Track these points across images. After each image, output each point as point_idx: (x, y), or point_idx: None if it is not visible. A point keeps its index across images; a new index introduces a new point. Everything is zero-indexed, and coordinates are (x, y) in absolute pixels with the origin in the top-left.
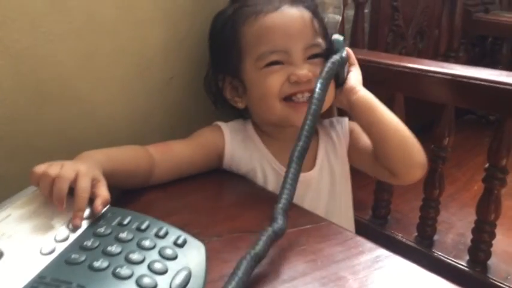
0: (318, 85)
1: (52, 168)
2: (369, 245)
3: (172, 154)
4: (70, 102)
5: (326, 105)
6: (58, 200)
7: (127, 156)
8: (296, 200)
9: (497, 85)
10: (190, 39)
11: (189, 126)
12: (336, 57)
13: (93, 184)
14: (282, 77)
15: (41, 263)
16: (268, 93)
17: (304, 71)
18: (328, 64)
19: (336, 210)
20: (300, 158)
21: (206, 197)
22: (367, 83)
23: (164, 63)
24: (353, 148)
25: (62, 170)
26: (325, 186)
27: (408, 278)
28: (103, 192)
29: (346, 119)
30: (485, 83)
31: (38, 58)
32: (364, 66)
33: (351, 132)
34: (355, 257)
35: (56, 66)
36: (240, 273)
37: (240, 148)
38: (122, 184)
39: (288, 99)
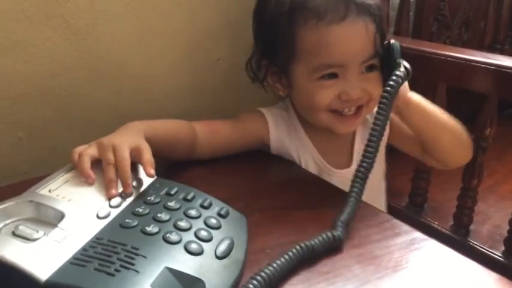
0: (381, 105)
1: (90, 148)
2: (405, 227)
3: (216, 135)
4: (124, 79)
5: (376, 100)
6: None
7: (170, 128)
8: None
9: None
10: (238, 23)
11: (235, 107)
12: (399, 73)
13: (137, 153)
14: (333, 94)
15: (98, 226)
16: (317, 106)
17: (356, 90)
18: (392, 82)
19: (373, 193)
20: (364, 179)
21: (249, 175)
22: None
23: (212, 45)
24: (398, 136)
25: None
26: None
27: (443, 260)
28: (146, 157)
29: None
30: None
31: (96, 36)
32: (407, 55)
33: (391, 125)
34: (391, 238)
35: (112, 44)
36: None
37: (285, 137)
38: (163, 154)
39: (334, 111)
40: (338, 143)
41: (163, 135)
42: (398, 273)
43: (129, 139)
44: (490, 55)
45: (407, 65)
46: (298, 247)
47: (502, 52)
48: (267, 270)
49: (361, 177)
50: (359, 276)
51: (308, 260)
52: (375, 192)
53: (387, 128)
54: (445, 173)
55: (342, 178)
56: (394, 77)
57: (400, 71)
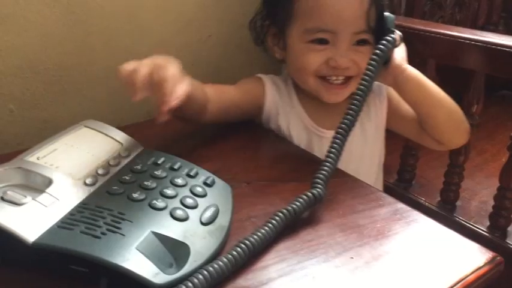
0: (369, 66)
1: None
2: (389, 199)
3: (224, 96)
4: (115, 53)
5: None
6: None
7: (197, 84)
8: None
9: None
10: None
11: (225, 81)
12: (388, 40)
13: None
14: (321, 58)
15: (85, 192)
16: (305, 69)
17: (344, 59)
18: (380, 47)
19: (366, 171)
20: (345, 134)
21: (238, 148)
22: None
23: (203, 21)
24: (395, 116)
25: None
26: (356, 147)
27: (424, 230)
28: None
29: (383, 84)
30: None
31: (87, 10)
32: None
33: (390, 100)
34: (374, 209)
35: (102, 18)
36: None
37: (278, 102)
38: (185, 108)
39: (322, 77)
40: (331, 109)
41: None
42: (380, 241)
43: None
44: (478, 32)
45: (399, 33)
46: (280, 214)
47: (495, 33)
48: (251, 238)
49: (342, 133)
50: (342, 244)
51: (293, 223)
52: (375, 169)
53: (384, 112)
54: (434, 150)
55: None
56: (384, 41)
57: (391, 37)
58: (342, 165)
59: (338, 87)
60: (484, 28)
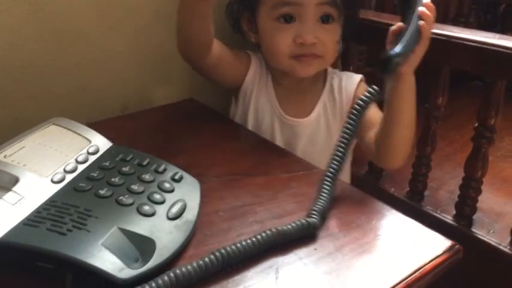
0: (349, 120)
1: None
2: (354, 191)
3: (222, 47)
4: (84, 50)
5: (332, 57)
6: None
7: None
8: (288, 146)
9: (489, 47)
10: None
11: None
12: (371, 92)
13: None
14: (289, 37)
15: (51, 190)
16: (277, 50)
17: (310, 35)
18: (365, 97)
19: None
20: (334, 179)
21: (208, 143)
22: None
23: (170, 14)
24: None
25: None
26: (321, 138)
27: (387, 220)
28: None
29: (356, 80)
30: (477, 45)
31: (55, 7)
32: (369, 27)
33: (355, 98)
34: (339, 200)
35: (73, 16)
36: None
37: (256, 81)
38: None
39: (294, 57)
40: (298, 98)
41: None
42: (343, 232)
43: None
44: (441, 26)
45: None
46: (267, 232)
47: (466, 25)
48: (228, 248)
49: (332, 177)
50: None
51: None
52: None
53: (349, 107)
54: None
55: (293, 126)
56: (366, 94)
57: (373, 89)
58: (306, 156)
59: (307, 58)
60: (455, 21)
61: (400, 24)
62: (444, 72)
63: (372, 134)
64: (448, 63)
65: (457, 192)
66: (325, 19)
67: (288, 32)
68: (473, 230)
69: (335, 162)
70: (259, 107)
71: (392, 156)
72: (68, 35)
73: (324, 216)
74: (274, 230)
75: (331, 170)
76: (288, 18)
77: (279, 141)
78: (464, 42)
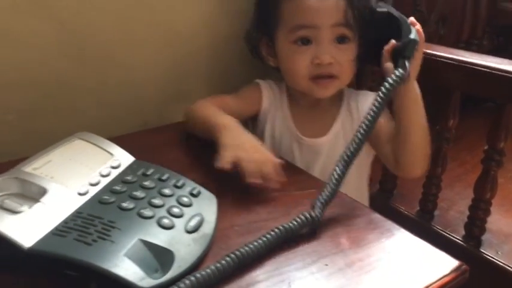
0: (375, 102)
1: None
2: (365, 209)
3: (225, 106)
4: (108, 67)
5: (349, 76)
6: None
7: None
8: (308, 165)
9: (499, 72)
10: (216, 16)
11: (216, 91)
12: (397, 75)
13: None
14: (306, 59)
15: (78, 202)
16: (295, 72)
17: (326, 55)
18: (387, 84)
19: (351, 181)
20: (348, 162)
21: None
22: None
23: (192, 35)
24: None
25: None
26: (339, 152)
27: (396, 239)
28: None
29: (371, 97)
30: (487, 70)
31: (81, 26)
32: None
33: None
34: (350, 219)
35: (95, 33)
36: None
37: (272, 106)
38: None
39: (313, 79)
40: (315, 119)
41: None
42: (353, 250)
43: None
44: (453, 50)
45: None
46: (276, 229)
47: (480, 47)
48: (242, 250)
49: (346, 160)
50: (317, 251)
51: (289, 240)
52: (358, 180)
53: None
54: None
55: (312, 146)
56: (396, 74)
57: (400, 72)
58: (325, 174)
59: (325, 81)
60: (468, 43)
61: (393, 41)
62: (455, 96)
63: (389, 145)
64: (459, 88)
65: (467, 212)
66: (341, 40)
67: (305, 53)
68: (482, 250)
69: (354, 143)
70: (276, 131)
71: (412, 162)
72: (92, 53)
73: (327, 204)
74: (281, 227)
75: (348, 152)
76: (305, 41)
77: (299, 162)
78: (475, 67)
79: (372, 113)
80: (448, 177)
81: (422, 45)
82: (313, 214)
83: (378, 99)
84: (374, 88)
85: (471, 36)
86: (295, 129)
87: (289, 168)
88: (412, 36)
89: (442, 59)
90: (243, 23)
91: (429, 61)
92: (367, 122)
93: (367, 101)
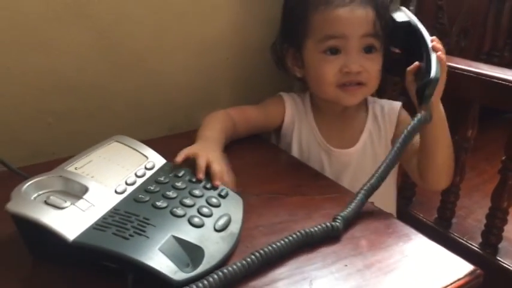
0: (398, 144)
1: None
2: (384, 214)
3: (247, 118)
4: (141, 73)
5: (375, 84)
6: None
7: (226, 130)
8: (337, 175)
9: None
10: (246, 27)
11: (242, 100)
12: (419, 118)
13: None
14: (335, 68)
15: (115, 199)
16: (324, 80)
17: (355, 64)
18: (411, 128)
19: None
20: (368, 193)
21: (249, 164)
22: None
23: (221, 45)
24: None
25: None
26: (368, 166)
27: (414, 243)
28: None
29: (398, 107)
30: (504, 83)
31: (118, 35)
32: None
33: (399, 124)
34: (369, 223)
35: (132, 42)
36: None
37: (296, 118)
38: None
39: (340, 87)
40: (341, 129)
41: (225, 135)
42: (372, 252)
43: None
44: (473, 63)
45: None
46: (298, 233)
47: (501, 59)
48: (265, 249)
49: (366, 191)
50: (337, 253)
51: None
52: (386, 189)
53: (393, 131)
54: None
55: (341, 157)
56: (418, 118)
57: (423, 115)
58: (355, 184)
59: (353, 88)
60: (489, 54)
61: (416, 63)
62: (474, 107)
63: (414, 159)
64: (478, 100)
65: (484, 221)
66: (368, 50)
67: (334, 62)
68: (499, 258)
69: (374, 179)
70: (303, 143)
71: (437, 178)
72: (126, 60)
73: (347, 224)
74: (302, 231)
75: (368, 185)
76: (334, 51)
77: (328, 173)
78: (493, 80)
79: (395, 150)
80: (466, 187)
81: (444, 69)
82: (334, 225)
83: (401, 141)
84: (394, 97)
85: (492, 48)
86: (324, 140)
87: (311, 173)
88: (433, 74)
89: (461, 71)
90: (271, 33)
91: (449, 73)
92: (390, 158)
93: (392, 109)
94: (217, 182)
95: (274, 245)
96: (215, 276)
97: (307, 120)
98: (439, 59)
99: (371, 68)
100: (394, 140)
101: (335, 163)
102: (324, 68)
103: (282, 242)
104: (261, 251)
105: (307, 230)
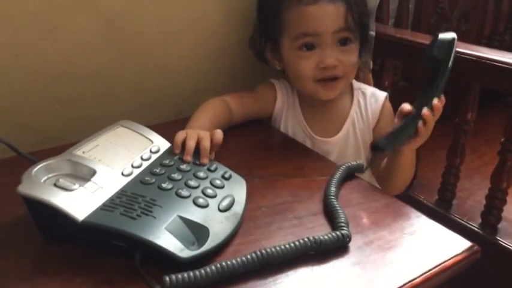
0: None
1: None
2: (383, 194)
3: (245, 107)
4: (145, 60)
5: (352, 75)
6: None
7: (219, 116)
8: None
9: None
10: (247, 12)
11: (243, 87)
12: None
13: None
14: (312, 63)
15: (122, 182)
16: (301, 75)
17: (331, 59)
18: (346, 166)
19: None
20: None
21: (252, 147)
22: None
23: (223, 32)
24: (374, 133)
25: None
26: (350, 153)
27: (413, 221)
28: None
29: (382, 98)
30: (503, 65)
31: (123, 23)
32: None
33: (382, 115)
34: (370, 203)
35: (136, 30)
36: None
37: (284, 106)
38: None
39: (318, 81)
40: (328, 114)
41: (217, 124)
42: (372, 230)
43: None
44: (473, 47)
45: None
46: (306, 239)
47: (502, 43)
48: (268, 250)
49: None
50: None
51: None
52: (368, 174)
53: (376, 119)
54: (435, 152)
55: (323, 145)
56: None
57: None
58: (329, 153)
59: (331, 83)
60: (490, 39)
61: (409, 109)
62: (474, 89)
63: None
64: (478, 82)
65: (484, 202)
66: (343, 42)
67: (310, 58)
68: (498, 238)
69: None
70: (289, 130)
71: (393, 190)
72: (132, 46)
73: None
74: (311, 238)
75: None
76: (310, 47)
77: None
78: (494, 63)
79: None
80: (467, 169)
81: (426, 132)
82: (344, 233)
83: (334, 178)
84: (395, 82)
85: (493, 32)
86: (308, 128)
87: (312, 155)
88: (383, 143)
89: (462, 55)
90: None
91: None
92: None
93: (376, 101)
94: (205, 160)
95: (278, 248)
96: (213, 267)
97: (293, 108)
98: (418, 129)
99: (347, 60)
100: (375, 130)
101: (318, 151)
102: (301, 64)
103: (288, 246)
104: (263, 251)
105: (317, 238)
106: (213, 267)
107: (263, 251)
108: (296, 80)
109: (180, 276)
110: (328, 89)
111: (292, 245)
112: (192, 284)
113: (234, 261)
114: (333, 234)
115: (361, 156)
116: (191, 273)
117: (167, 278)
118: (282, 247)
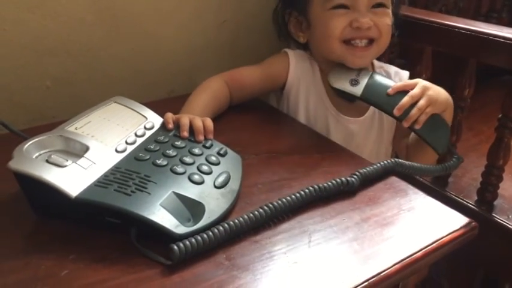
0: None
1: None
2: None
3: (244, 84)
4: (138, 37)
5: (387, 40)
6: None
7: (214, 101)
8: (343, 143)
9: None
10: None
11: (238, 63)
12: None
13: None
14: (345, 21)
15: (116, 158)
16: (330, 34)
17: (366, 18)
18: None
19: (381, 155)
20: (392, 164)
21: (248, 124)
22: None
23: (218, 8)
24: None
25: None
26: (374, 134)
27: (410, 198)
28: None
29: (406, 77)
30: (503, 40)
31: None
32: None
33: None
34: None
35: (128, 4)
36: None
37: (301, 77)
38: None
39: (347, 42)
40: None
41: (213, 110)
42: (370, 207)
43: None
44: (470, 22)
45: None
46: (312, 187)
47: (499, 20)
48: (279, 201)
49: (392, 163)
50: (336, 208)
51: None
52: (388, 154)
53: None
54: None
55: (350, 124)
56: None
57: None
58: (359, 150)
59: (362, 49)
60: (487, 16)
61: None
62: (471, 65)
63: (403, 141)
64: (476, 57)
65: (480, 179)
66: (377, 6)
67: (343, 17)
68: (494, 215)
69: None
70: (311, 105)
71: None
72: (124, 22)
73: (364, 182)
74: (316, 186)
75: (397, 160)
76: (343, 7)
77: (334, 138)
78: (491, 37)
79: None
80: (463, 147)
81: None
82: (349, 180)
83: None
84: (392, 60)
85: (490, 10)
86: (331, 105)
87: (309, 133)
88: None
89: (459, 30)
90: None
91: (446, 31)
92: None
93: (401, 81)
94: (200, 137)
95: (284, 200)
96: (220, 228)
97: (314, 83)
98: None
99: (381, 22)
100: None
101: (341, 130)
102: (333, 22)
103: (293, 196)
104: (270, 205)
105: (321, 185)
106: (221, 228)
107: (270, 205)
108: (323, 43)
109: (188, 242)
110: (357, 56)
111: (298, 194)
112: (201, 247)
113: (241, 218)
114: (337, 180)
115: (383, 140)
116: (198, 237)
117: (175, 247)
118: (288, 198)
